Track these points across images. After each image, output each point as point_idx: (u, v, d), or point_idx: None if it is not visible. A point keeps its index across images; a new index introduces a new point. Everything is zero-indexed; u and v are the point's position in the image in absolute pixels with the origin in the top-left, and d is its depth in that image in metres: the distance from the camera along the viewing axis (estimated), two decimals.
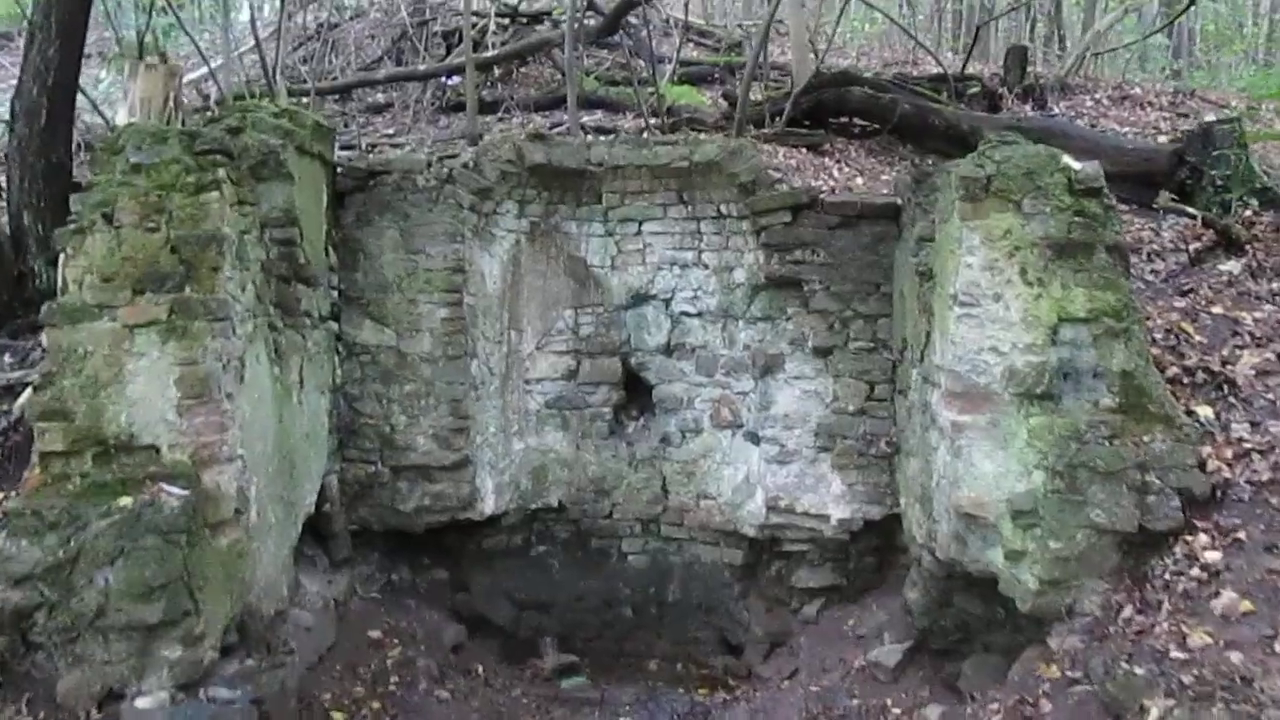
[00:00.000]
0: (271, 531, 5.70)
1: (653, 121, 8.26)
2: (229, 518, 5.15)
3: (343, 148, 7.91)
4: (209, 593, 4.87)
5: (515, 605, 7.64)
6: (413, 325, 6.96)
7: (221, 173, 5.20)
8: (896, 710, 6.03)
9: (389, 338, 6.97)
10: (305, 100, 9.97)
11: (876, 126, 8.98)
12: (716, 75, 11.79)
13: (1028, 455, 4.91)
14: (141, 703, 4.58)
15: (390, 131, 10.59)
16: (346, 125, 10.72)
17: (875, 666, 6.36)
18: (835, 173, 7.52)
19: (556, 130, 7.77)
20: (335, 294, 6.89)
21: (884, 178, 7.55)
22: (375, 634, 6.89)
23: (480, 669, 7.15)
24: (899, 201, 6.62)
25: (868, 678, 6.41)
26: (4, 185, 6.76)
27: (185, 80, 10.93)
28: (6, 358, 5.96)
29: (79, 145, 7.26)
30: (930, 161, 8.18)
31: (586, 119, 9.17)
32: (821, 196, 6.86)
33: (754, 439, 7.24)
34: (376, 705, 6.17)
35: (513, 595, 7.64)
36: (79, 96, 6.63)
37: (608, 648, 7.77)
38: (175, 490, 4.80)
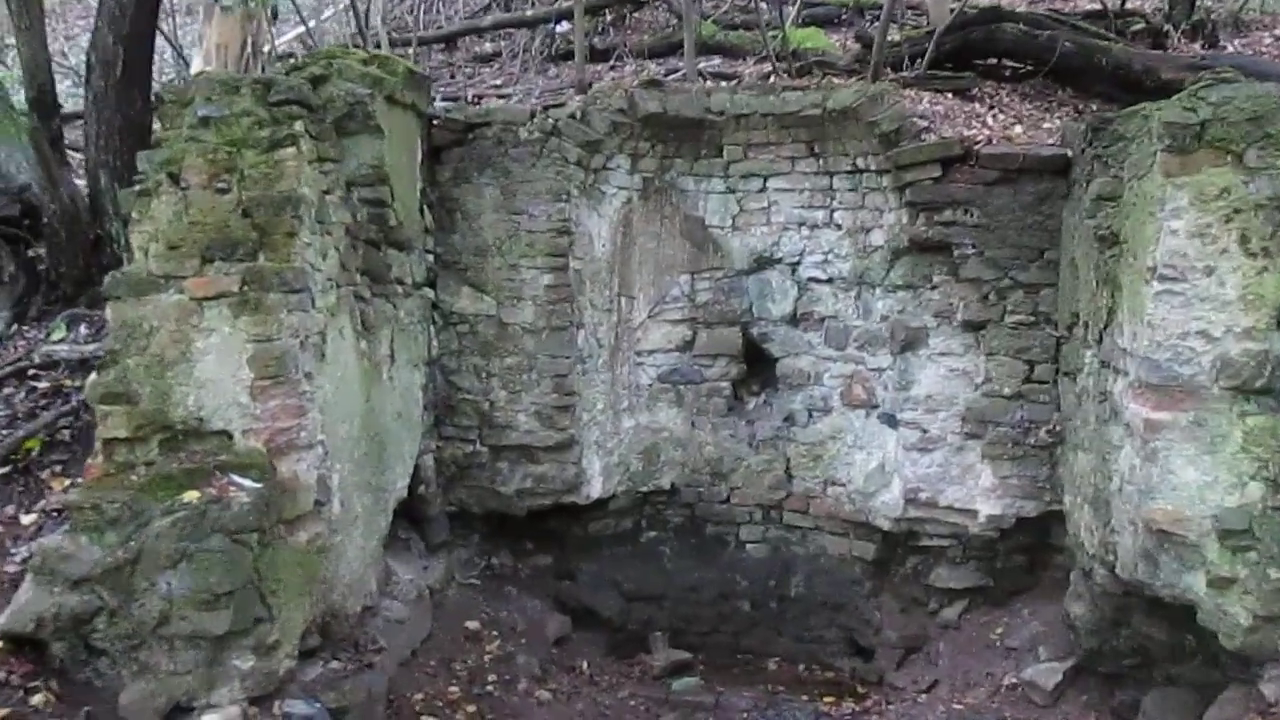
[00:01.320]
0: (358, 522, 5.21)
1: (779, 66, 7.43)
2: (308, 510, 4.66)
3: (447, 99, 7.32)
4: (285, 595, 4.39)
5: (623, 596, 7.06)
6: (514, 293, 6.36)
7: (299, 126, 4.64)
8: None
9: (488, 306, 6.39)
10: (409, 50, 9.42)
11: (1031, 68, 7.93)
12: (844, 16, 10.79)
13: (1242, 463, 4.05)
14: (209, 718, 4.12)
15: (498, 82, 9.98)
16: (453, 76, 10.15)
17: (1030, 686, 5.57)
18: (989, 120, 6.58)
19: (672, 78, 7.02)
20: (430, 259, 6.34)
21: (1045, 126, 6.58)
22: (473, 625, 6.41)
23: (585, 666, 6.61)
24: (1068, 154, 5.69)
25: (1020, 698, 5.64)
26: (82, 143, 6.38)
27: (285, 38, 10.54)
28: (82, 328, 5.58)
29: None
30: (1096, 107, 7.18)
31: (704, 65, 8.37)
32: (976, 148, 5.97)
33: (891, 422, 6.45)
34: (472, 709, 5.67)
35: (621, 585, 7.06)
36: (161, 44, 6.18)
37: (723, 644, 7.14)
38: (246, 483, 4.31)
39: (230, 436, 4.48)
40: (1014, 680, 5.73)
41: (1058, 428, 5.78)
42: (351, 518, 5.12)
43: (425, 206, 6.26)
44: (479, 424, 6.49)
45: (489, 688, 5.93)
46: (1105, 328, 4.83)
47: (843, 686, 6.71)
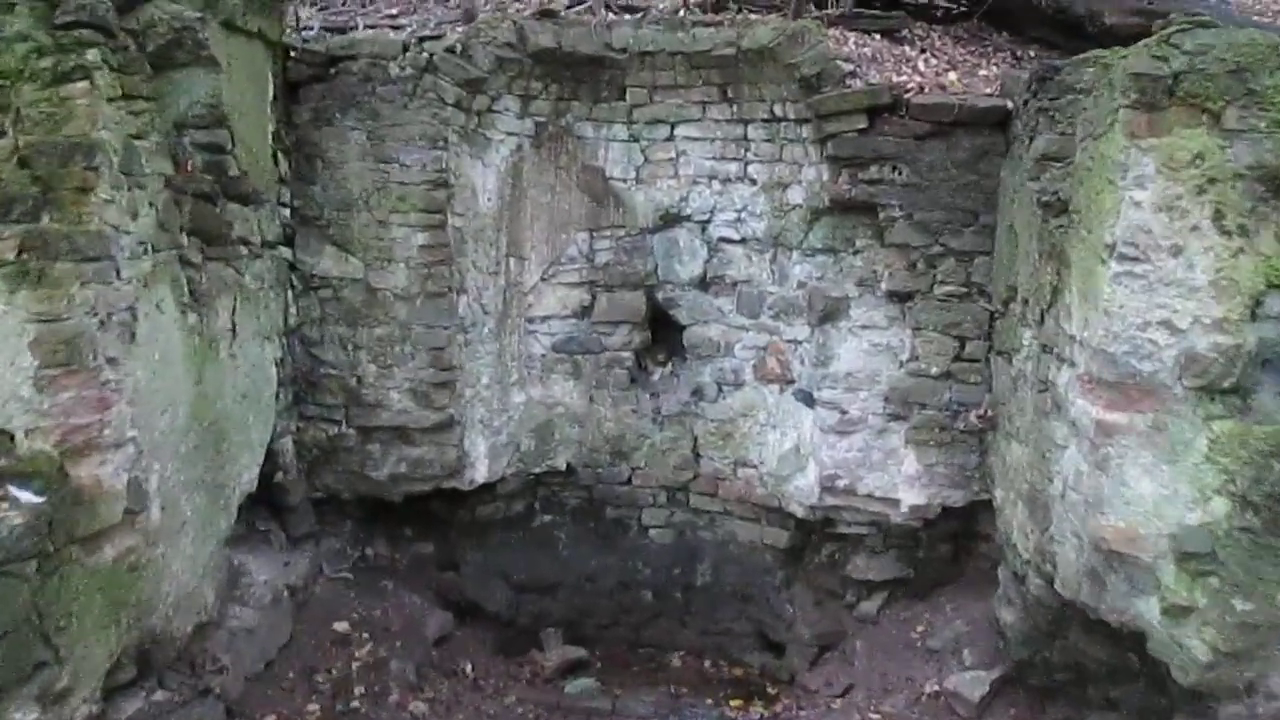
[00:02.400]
0: (186, 528, 4.43)
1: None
2: (116, 522, 3.89)
3: (330, 29, 6.32)
4: (80, 630, 3.64)
5: (513, 587, 6.40)
6: (384, 254, 5.55)
7: (93, 55, 3.76)
8: None
9: (355, 269, 5.58)
10: None
11: (965, 8, 7.28)
12: None
13: (1206, 475, 3.51)
14: None
15: (393, 12, 8.99)
16: (343, 2, 9.11)
17: (954, 698, 5.08)
18: (920, 66, 5.91)
19: (571, 9, 6.21)
20: (286, 214, 5.49)
21: (982, 73, 5.95)
22: (342, 627, 5.69)
23: (468, 668, 5.96)
24: (1009, 105, 5.07)
25: (942, 708, 5.14)
26: None
27: None
28: None
29: None
30: (1034, 54, 6.58)
31: None
32: (906, 97, 5.30)
33: (807, 400, 5.84)
34: None
35: (510, 575, 6.40)
36: None
37: (622, 638, 6.56)
38: (24, 497, 3.51)
39: (11, 438, 3.66)
40: (935, 688, 5.23)
41: (989, 412, 5.23)
42: (178, 524, 4.34)
43: (279, 153, 5.39)
44: (345, 402, 5.71)
45: (355, 702, 5.25)
46: (1049, 308, 4.25)
47: (751, 686, 6.18)
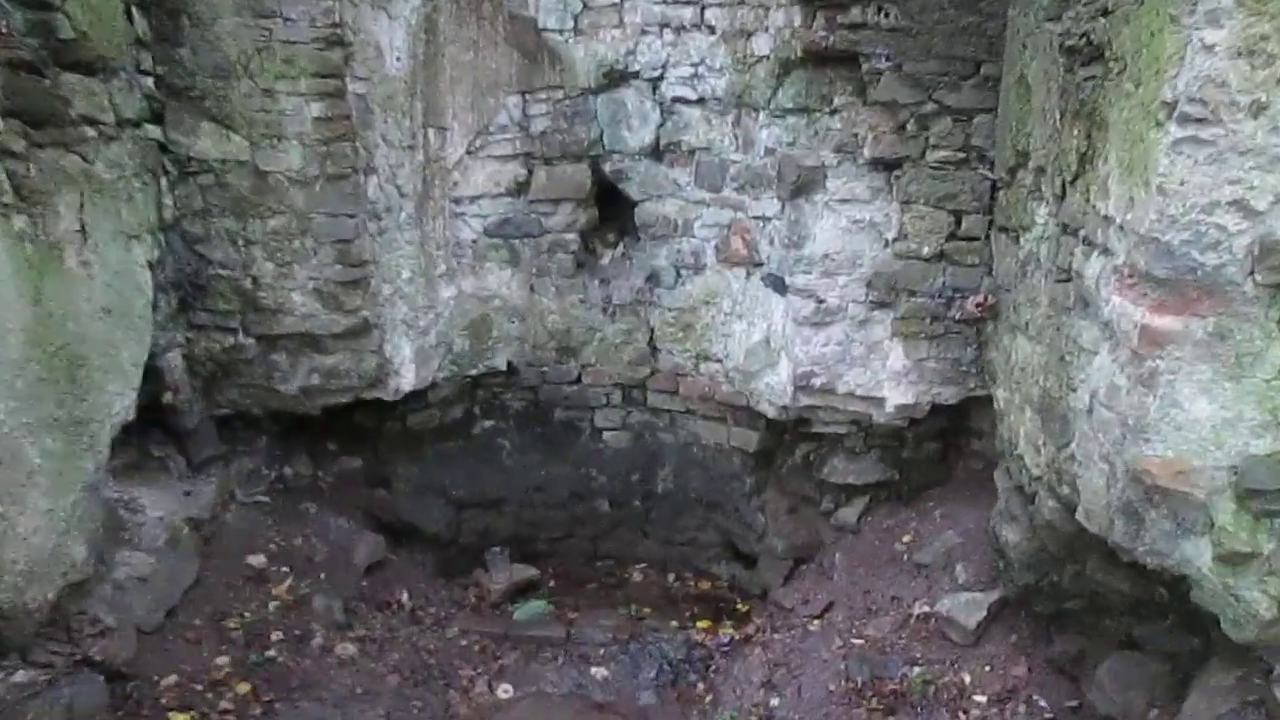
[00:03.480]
0: (36, 480, 3.66)
1: None
2: None
3: None
4: None
5: (452, 504, 5.74)
6: (272, 130, 4.64)
7: None
8: (980, 698, 4.22)
9: (238, 149, 4.66)
10: None
11: None
12: None
13: (1279, 395, 2.81)
14: None
15: None
16: None
17: (947, 622, 4.51)
18: None
19: None
20: (149, 84, 4.52)
21: None
22: (257, 561, 5.02)
23: (405, 598, 5.33)
24: None
25: (934, 633, 4.59)
26: None
27: None
28: None
29: None
30: None
31: None
32: None
33: (778, 286, 5.09)
34: (245, 688, 4.35)
35: (449, 490, 5.73)
36: None
37: (577, 552, 5.98)
38: None
39: None
40: (926, 609, 4.67)
41: (990, 300, 4.50)
42: (22, 476, 3.58)
43: (133, 9, 4.39)
44: (241, 308, 4.88)
45: (271, 651, 4.61)
46: (1074, 180, 3.47)
47: (720, 603, 5.63)
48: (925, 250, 4.63)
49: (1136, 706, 3.57)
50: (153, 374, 4.63)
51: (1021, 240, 4.13)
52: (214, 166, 4.67)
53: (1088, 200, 3.35)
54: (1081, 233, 3.42)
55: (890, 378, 4.88)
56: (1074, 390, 3.49)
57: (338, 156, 4.69)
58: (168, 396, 4.77)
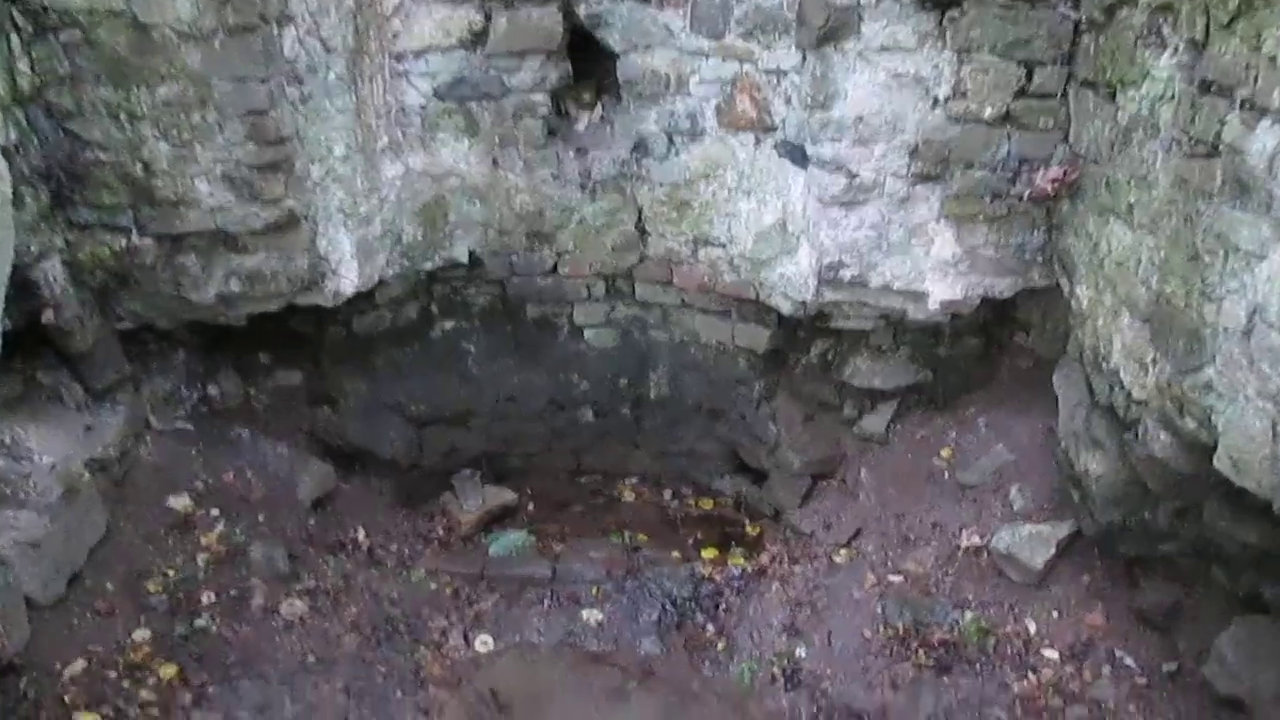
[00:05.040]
0: None
1: None
2: None
3: None
4: None
5: (411, 421, 4.91)
6: None
7: None
8: (1051, 652, 3.57)
9: None
10: None
11: None
12: None
13: None
14: None
15: None
16: None
17: (1007, 560, 3.83)
18: None
19: None
20: None
21: None
22: (181, 504, 4.21)
23: (360, 535, 4.57)
24: None
25: (988, 572, 3.92)
26: None
27: None
28: None
29: None
30: None
31: None
32: None
33: (797, 157, 4.19)
34: (170, 670, 3.59)
35: (406, 406, 4.89)
36: None
37: (559, 469, 5.24)
38: None
39: None
40: (977, 541, 3.98)
41: (1070, 174, 3.64)
42: None
43: None
44: (132, 201, 3.89)
45: (202, 619, 3.85)
46: (1231, 21, 2.57)
47: (726, 527, 4.92)
48: (987, 111, 3.72)
49: (1269, 686, 2.91)
50: (23, 289, 3.70)
51: (1121, 98, 3.25)
52: (79, 19, 3.59)
53: (1256, 48, 2.46)
54: (1240, 93, 2.55)
55: (935, 268, 4.05)
56: (1214, 301, 2.69)
57: (240, 3, 3.63)
58: (48, 315, 3.83)
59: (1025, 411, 4.30)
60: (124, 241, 3.94)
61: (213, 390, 4.67)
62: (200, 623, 3.81)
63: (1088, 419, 3.55)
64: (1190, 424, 2.85)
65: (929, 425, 4.55)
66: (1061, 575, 3.74)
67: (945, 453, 4.38)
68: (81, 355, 4.08)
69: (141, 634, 3.68)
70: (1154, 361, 3.01)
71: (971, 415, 4.47)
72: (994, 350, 4.57)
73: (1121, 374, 3.24)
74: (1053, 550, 3.72)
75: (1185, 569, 3.37)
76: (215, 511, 4.25)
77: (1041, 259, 3.94)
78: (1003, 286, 4.06)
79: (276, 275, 4.17)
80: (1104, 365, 3.38)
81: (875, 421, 4.64)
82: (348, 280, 4.38)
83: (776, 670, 3.98)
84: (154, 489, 4.22)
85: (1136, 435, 3.16)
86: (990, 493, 4.11)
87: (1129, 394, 3.19)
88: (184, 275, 4.09)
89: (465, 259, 4.81)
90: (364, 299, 4.64)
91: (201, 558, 4.05)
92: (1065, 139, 3.69)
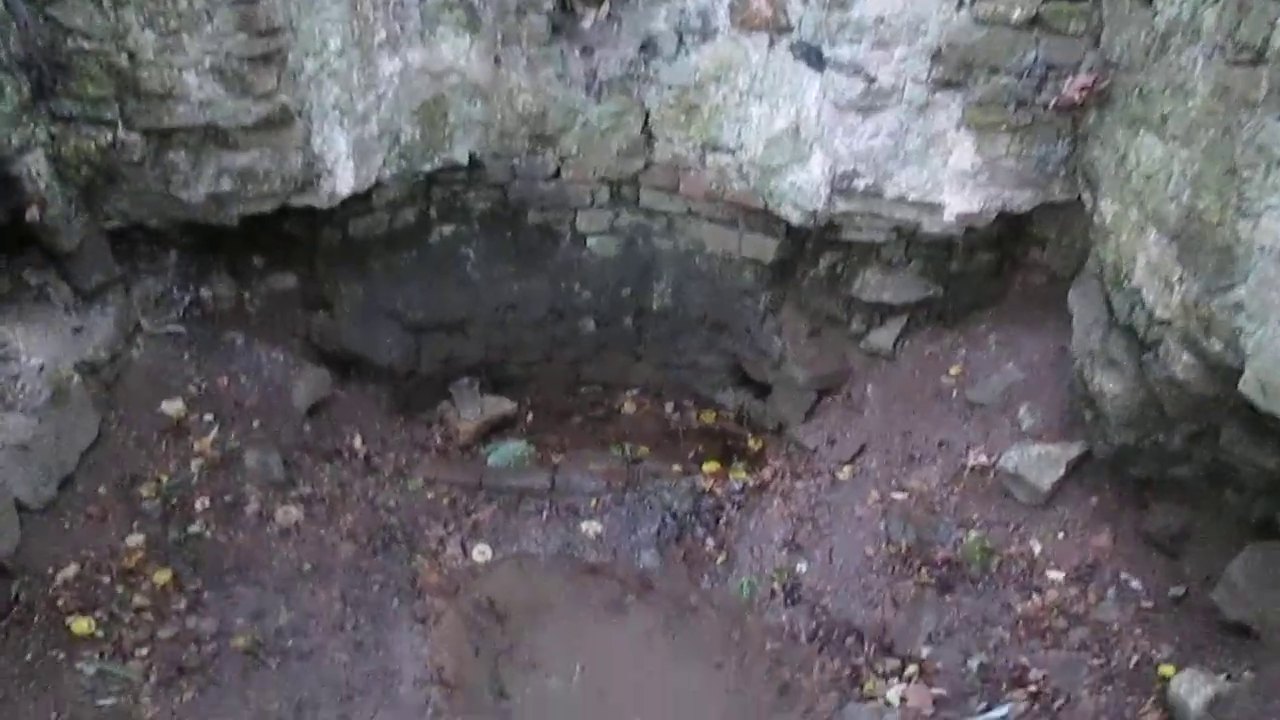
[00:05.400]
0: None
1: None
2: None
3: None
4: None
5: (409, 328, 4.80)
6: None
7: None
8: (1055, 573, 3.53)
9: None
10: None
11: None
12: None
13: None
14: None
15: None
16: None
17: (1014, 480, 3.77)
18: None
19: None
20: None
21: None
22: (174, 409, 4.13)
23: (357, 443, 4.50)
24: None
25: (994, 491, 3.86)
26: None
27: None
28: None
29: None
30: None
31: None
32: None
33: (813, 59, 4.01)
34: (164, 576, 3.56)
35: (404, 311, 4.78)
36: None
37: (558, 379, 5.15)
38: None
39: None
40: (983, 460, 3.92)
41: (1100, 81, 3.47)
42: None
43: None
44: (117, 93, 3.71)
45: (196, 525, 3.80)
46: None
47: (728, 440, 4.86)
48: (1015, 14, 3.53)
49: (1279, 613, 2.86)
50: (9, 183, 3.56)
51: (1160, 3, 3.07)
52: None
53: None
54: None
55: (953, 179, 3.90)
56: (1251, 218, 2.57)
57: None
58: (32, 212, 3.69)
59: (1037, 330, 4.20)
60: (110, 136, 3.78)
61: (205, 293, 4.54)
62: (194, 529, 3.76)
63: (1104, 338, 3.45)
64: (1216, 345, 2.75)
65: (938, 342, 4.45)
66: (1069, 497, 3.68)
67: (954, 370, 4.29)
68: (68, 255, 3.95)
69: (135, 539, 3.64)
70: (1180, 280, 2.90)
71: (982, 332, 4.37)
72: (1007, 266, 4.45)
73: (1144, 292, 3.13)
74: (1061, 471, 3.65)
75: (1197, 493, 3.30)
76: (209, 417, 4.17)
77: (1064, 172, 3.79)
78: (1022, 200, 3.92)
79: (269, 174, 4.02)
80: (1125, 283, 3.26)
81: (883, 337, 4.53)
82: (343, 181, 4.24)
83: (776, 585, 3.95)
84: (146, 393, 4.13)
85: (1156, 356, 3.07)
86: (999, 412, 4.03)
87: (1151, 313, 3.08)
88: (173, 173, 3.94)
89: (465, 161, 4.64)
90: (360, 201, 4.49)
91: (195, 463, 3.98)
92: (1096, 45, 3.51)
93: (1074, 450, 3.67)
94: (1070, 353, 3.76)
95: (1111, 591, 3.36)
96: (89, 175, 3.86)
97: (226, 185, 4.01)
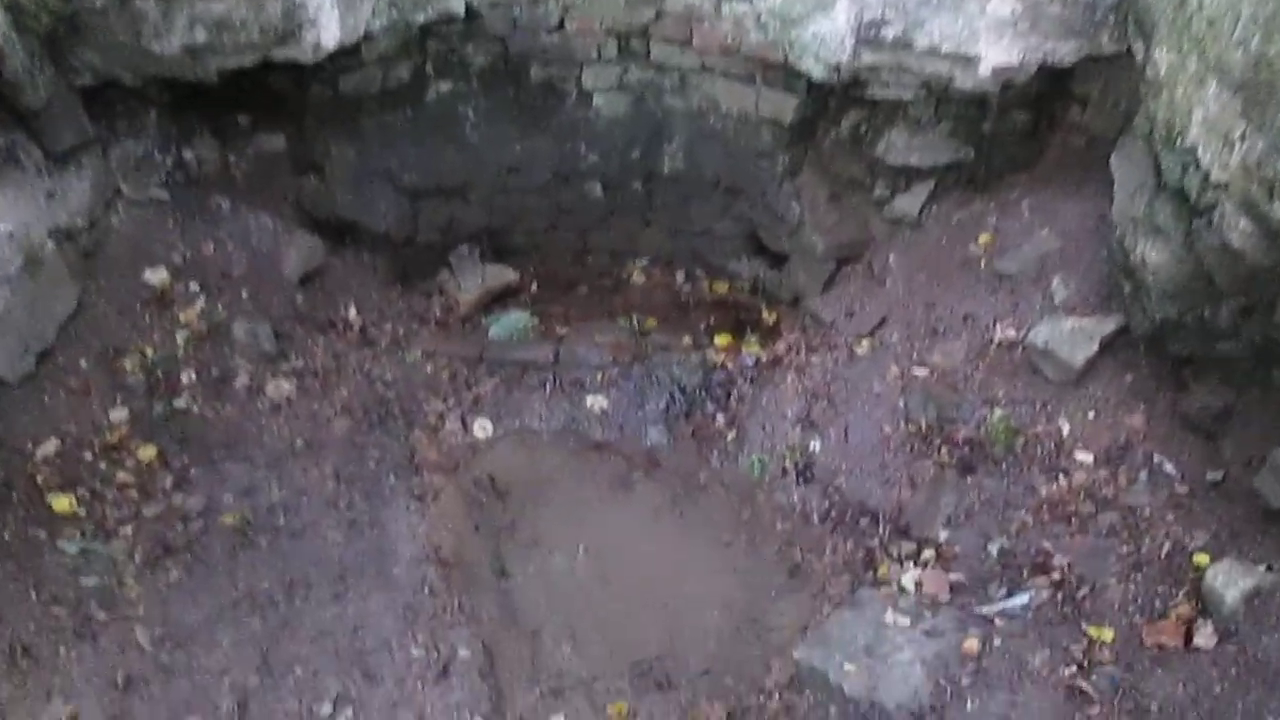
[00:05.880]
0: None
1: None
2: None
3: None
4: None
5: (405, 192, 4.54)
6: None
7: None
8: (1084, 455, 3.33)
9: None
10: None
11: None
12: None
13: None
14: None
15: None
16: None
17: (1043, 356, 3.54)
18: None
19: None
20: None
21: None
22: (157, 278, 3.93)
23: (352, 314, 4.30)
24: None
25: (1022, 367, 3.64)
26: None
27: None
28: None
29: None
30: None
31: None
32: None
33: None
34: (149, 453, 3.42)
35: (399, 175, 4.52)
36: None
37: (565, 246, 4.88)
38: None
39: None
40: (1011, 334, 3.69)
41: None
42: None
43: None
44: None
45: (182, 399, 3.65)
46: None
47: (741, 312, 4.64)
48: None
49: None
50: None
51: None
52: None
53: None
54: None
55: (991, 27, 3.56)
56: None
57: None
58: None
59: (1075, 195, 3.90)
60: None
61: (189, 156, 4.29)
62: (180, 403, 3.61)
63: (1150, 204, 3.16)
64: (1279, 209, 2.47)
65: (967, 208, 4.16)
66: (1101, 374, 3.45)
67: (983, 238, 4.01)
68: (35, 113, 3.67)
69: (118, 414, 3.49)
70: (1243, 137, 2.61)
71: (1015, 198, 4.07)
72: (1044, 127, 4.13)
73: (1200, 151, 2.83)
74: (1095, 347, 3.42)
75: (1242, 372, 3.07)
76: (195, 287, 3.97)
77: (1114, 19, 3.44)
78: (1065, 51, 3.58)
79: (246, 24, 3.73)
80: (1178, 142, 2.96)
81: (908, 203, 4.25)
82: (329, 32, 3.93)
83: (788, 464, 3.79)
84: (128, 261, 3.92)
85: (1210, 222, 2.79)
86: (1030, 283, 3.77)
87: (1206, 175, 2.79)
88: (142, 22, 3.64)
89: (461, 11, 4.29)
90: (349, 55, 4.18)
91: (181, 335, 3.81)
92: None
93: (1109, 325, 3.43)
94: (1110, 220, 3.48)
95: (1143, 475, 3.17)
96: (50, 24, 3.56)
97: (201, 36, 3.72)
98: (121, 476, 3.32)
